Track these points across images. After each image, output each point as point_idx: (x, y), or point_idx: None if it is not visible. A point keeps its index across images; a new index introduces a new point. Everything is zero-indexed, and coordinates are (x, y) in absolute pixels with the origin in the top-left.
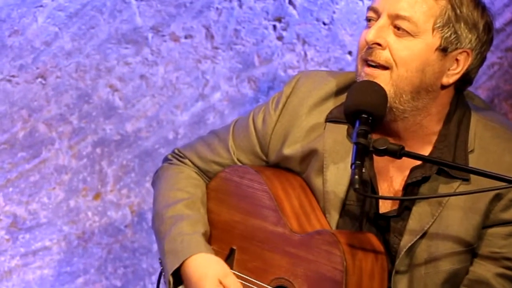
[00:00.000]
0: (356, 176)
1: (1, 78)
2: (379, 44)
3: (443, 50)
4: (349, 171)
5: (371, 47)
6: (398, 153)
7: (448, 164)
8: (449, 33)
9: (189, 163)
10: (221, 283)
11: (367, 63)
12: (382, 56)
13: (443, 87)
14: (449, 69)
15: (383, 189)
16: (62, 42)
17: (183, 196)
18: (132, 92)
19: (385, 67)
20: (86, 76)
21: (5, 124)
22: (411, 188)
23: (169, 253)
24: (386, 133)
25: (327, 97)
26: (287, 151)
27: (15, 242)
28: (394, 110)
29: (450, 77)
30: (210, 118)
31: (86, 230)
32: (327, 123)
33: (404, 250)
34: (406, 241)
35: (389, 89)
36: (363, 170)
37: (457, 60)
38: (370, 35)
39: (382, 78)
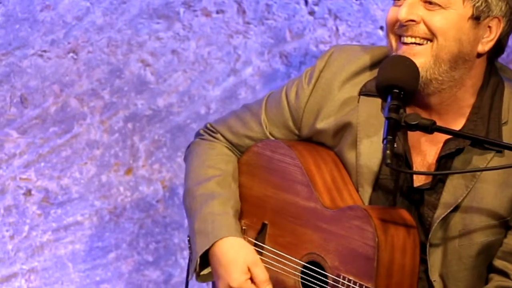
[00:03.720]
0: (388, 151)
1: (33, 53)
2: (413, 21)
3: (476, 18)
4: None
5: (405, 25)
6: (430, 128)
7: (479, 139)
8: (480, 2)
9: (221, 137)
10: (249, 270)
11: (401, 39)
12: (420, 30)
13: (479, 55)
14: (483, 37)
15: (417, 162)
16: (94, 17)
17: (214, 173)
18: (163, 67)
19: (426, 39)
20: (117, 51)
21: (37, 99)
22: (445, 160)
23: (199, 233)
24: (420, 107)
25: (361, 71)
26: (320, 125)
27: (47, 217)
28: (433, 82)
29: (485, 45)
30: (241, 93)
31: (118, 205)
32: (361, 96)
33: (438, 221)
34: (439, 213)
35: (429, 60)
36: (395, 145)
37: (489, 27)
38: (403, 13)
39: (422, 53)
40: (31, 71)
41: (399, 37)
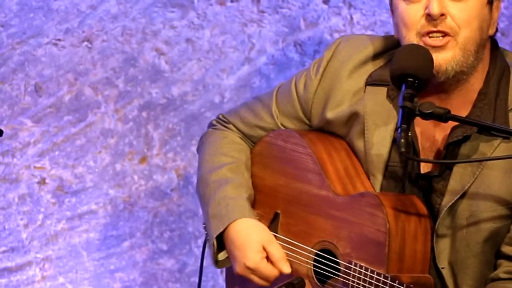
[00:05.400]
0: (402, 140)
1: (47, 41)
2: (442, 14)
3: (490, 3)
4: (390, 132)
5: (436, 19)
6: (444, 117)
7: (494, 128)
8: None
9: (234, 128)
10: (264, 249)
11: (428, 35)
12: (446, 24)
13: (488, 37)
14: (492, 20)
15: (426, 149)
16: (108, 5)
17: (227, 160)
18: (178, 56)
19: (449, 35)
20: (132, 40)
21: (51, 88)
22: (452, 147)
23: (214, 217)
24: (431, 92)
25: (367, 60)
26: (329, 115)
27: (61, 205)
28: (459, 74)
29: (493, 27)
30: (256, 81)
31: (132, 193)
32: (367, 86)
33: (445, 209)
34: (447, 200)
35: (458, 54)
36: (409, 134)
37: (492, 9)
38: (435, 8)
39: (450, 45)
40: (46, 60)
41: (423, 36)
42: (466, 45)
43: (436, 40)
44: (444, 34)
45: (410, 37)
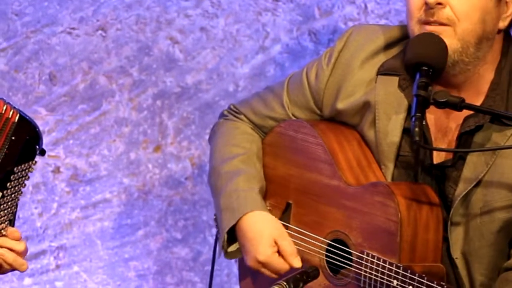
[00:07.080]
0: (417, 129)
1: (62, 30)
2: (440, 4)
3: None
4: (401, 121)
5: (432, 7)
6: (459, 106)
7: (508, 116)
8: None
9: (245, 118)
10: (276, 243)
11: (426, 23)
12: (444, 14)
13: (499, 31)
14: (503, 13)
15: (438, 139)
16: None
17: (238, 151)
18: (192, 45)
19: (446, 25)
20: (146, 29)
21: (66, 77)
22: (465, 137)
23: (225, 209)
24: (442, 85)
25: (379, 50)
26: (340, 105)
27: (76, 194)
28: (459, 63)
29: (505, 21)
30: (270, 70)
31: (147, 182)
32: (378, 76)
33: (459, 198)
34: (460, 190)
35: (456, 43)
36: (424, 122)
37: (506, 2)
38: None
39: (446, 34)
40: (60, 49)
41: (422, 24)
42: (465, 36)
43: (432, 27)
44: (441, 24)
45: (412, 25)
